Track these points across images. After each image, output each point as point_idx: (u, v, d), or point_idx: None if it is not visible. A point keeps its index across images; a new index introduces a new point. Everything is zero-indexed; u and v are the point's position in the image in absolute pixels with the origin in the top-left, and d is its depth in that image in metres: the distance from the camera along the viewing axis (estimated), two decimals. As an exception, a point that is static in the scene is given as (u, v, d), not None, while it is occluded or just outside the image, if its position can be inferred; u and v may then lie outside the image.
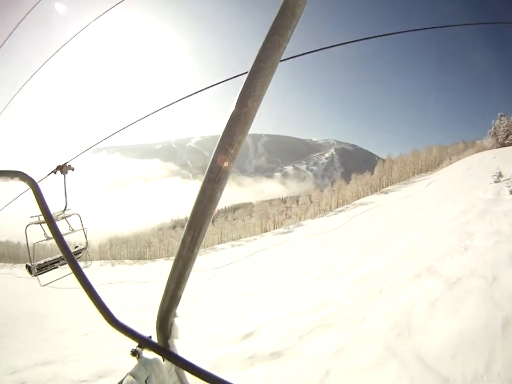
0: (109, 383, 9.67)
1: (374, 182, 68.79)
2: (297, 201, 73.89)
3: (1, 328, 27.57)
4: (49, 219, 1.77)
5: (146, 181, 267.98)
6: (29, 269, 6.01)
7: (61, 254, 7.08)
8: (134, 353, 1.60)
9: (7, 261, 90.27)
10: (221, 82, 3.58)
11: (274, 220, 71.11)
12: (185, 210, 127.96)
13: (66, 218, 5.97)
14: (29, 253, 5.76)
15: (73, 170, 5.39)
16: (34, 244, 5.68)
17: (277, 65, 1.24)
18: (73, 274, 1.73)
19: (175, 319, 1.67)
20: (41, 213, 1.90)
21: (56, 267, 6.97)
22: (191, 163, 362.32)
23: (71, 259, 1.67)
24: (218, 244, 72.25)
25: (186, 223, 1.38)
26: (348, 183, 71.71)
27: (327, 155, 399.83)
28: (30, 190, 2.15)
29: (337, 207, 66.21)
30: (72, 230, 6.06)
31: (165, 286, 1.51)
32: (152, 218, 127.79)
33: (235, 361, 8.05)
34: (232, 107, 1.26)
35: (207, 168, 1.32)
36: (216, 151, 1.29)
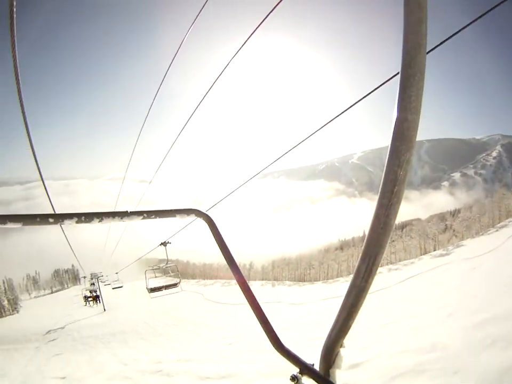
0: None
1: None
2: (457, 216, 66.37)
3: (160, 329, 34.75)
4: (225, 251, 1.88)
5: (313, 202, 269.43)
6: (147, 290, 14.12)
7: (166, 283, 17.32)
8: (293, 378, 1.65)
9: (177, 276, 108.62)
10: (371, 92, 3.76)
11: (434, 240, 65.00)
12: (352, 230, 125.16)
13: (168, 267, 12.26)
14: (146, 283, 13.62)
15: (170, 243, 8.64)
16: (149, 278, 13.21)
17: (424, 67, 1.13)
18: (247, 300, 1.84)
19: (341, 349, 1.61)
20: (218, 246, 2.00)
21: (162, 290, 15.11)
22: (355, 180, 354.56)
23: (245, 286, 1.74)
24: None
25: (361, 252, 1.36)
26: (512, 190, 57.87)
27: (494, 154, 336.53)
28: (206, 225, 2.25)
29: (499, 222, 56.56)
30: (170, 274, 14.08)
31: (336, 315, 1.47)
32: (318, 239, 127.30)
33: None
34: (391, 125, 1.22)
35: (379, 193, 1.25)
36: (385, 174, 1.21)
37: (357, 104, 4.05)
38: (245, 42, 4.92)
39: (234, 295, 72.93)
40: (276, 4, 3.88)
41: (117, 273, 35.57)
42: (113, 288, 37.18)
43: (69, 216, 1.50)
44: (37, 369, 22.87)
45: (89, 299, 43.38)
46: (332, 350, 1.55)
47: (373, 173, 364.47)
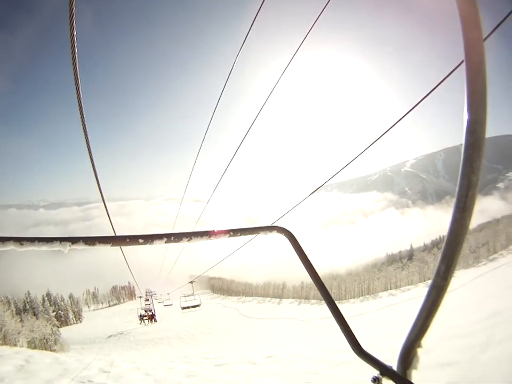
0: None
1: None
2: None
3: (197, 336, 52.75)
4: (309, 267, 1.82)
5: (366, 215, 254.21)
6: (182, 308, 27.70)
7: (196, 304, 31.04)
8: (375, 380, 1.52)
9: (222, 293, 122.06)
10: (426, 96, 3.54)
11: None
12: (402, 243, 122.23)
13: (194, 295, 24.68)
14: (180, 303, 27.72)
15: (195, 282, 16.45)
16: (182, 296, 27.82)
17: (486, 58, 0.96)
18: (330, 310, 1.83)
19: (419, 350, 1.44)
20: (300, 260, 1.92)
21: (189, 307, 28.93)
22: (409, 189, 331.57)
23: (329, 298, 1.70)
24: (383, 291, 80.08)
25: (441, 253, 1.24)
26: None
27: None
28: (288, 240, 2.41)
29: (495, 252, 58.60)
30: (195, 303, 24.61)
31: (416, 315, 1.32)
32: (367, 254, 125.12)
33: None
34: (463, 131, 1.32)
35: (455, 198, 1.14)
36: (460, 180, 1.10)
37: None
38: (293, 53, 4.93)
39: (266, 311, 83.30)
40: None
41: (168, 293, 38.79)
42: (164, 305, 41.54)
43: (159, 236, 1.53)
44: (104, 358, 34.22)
45: (145, 318, 45.59)
46: (410, 350, 1.38)
47: (427, 180, 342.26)
